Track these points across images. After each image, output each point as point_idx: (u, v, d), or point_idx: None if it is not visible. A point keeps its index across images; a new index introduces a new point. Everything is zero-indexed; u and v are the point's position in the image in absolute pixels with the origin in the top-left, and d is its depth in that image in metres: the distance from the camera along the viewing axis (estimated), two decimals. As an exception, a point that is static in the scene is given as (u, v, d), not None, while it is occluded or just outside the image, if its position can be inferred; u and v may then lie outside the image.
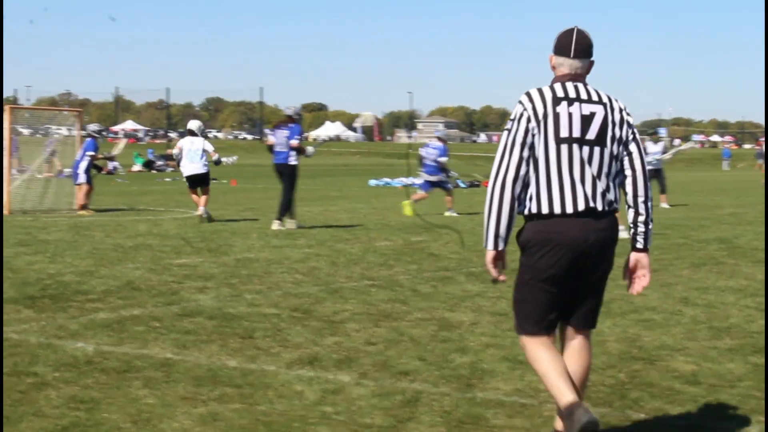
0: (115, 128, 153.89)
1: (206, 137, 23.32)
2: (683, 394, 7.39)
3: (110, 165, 53.72)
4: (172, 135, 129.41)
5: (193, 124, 23.06)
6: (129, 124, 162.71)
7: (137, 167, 61.42)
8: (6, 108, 26.33)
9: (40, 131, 33.29)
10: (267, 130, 20.98)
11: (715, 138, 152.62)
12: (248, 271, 13.68)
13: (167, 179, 49.02)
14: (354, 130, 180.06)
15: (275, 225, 20.33)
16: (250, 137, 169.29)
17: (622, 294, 11.95)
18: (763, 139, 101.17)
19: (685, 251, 16.85)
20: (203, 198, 21.96)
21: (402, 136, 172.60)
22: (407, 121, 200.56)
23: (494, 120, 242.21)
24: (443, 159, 25.27)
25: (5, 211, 23.64)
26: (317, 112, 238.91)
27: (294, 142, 20.46)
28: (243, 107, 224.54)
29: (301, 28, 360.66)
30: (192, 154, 22.29)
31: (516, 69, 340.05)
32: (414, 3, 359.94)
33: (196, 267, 13.97)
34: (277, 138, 20.60)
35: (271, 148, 20.80)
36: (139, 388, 7.26)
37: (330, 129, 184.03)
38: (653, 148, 30.04)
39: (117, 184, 39.98)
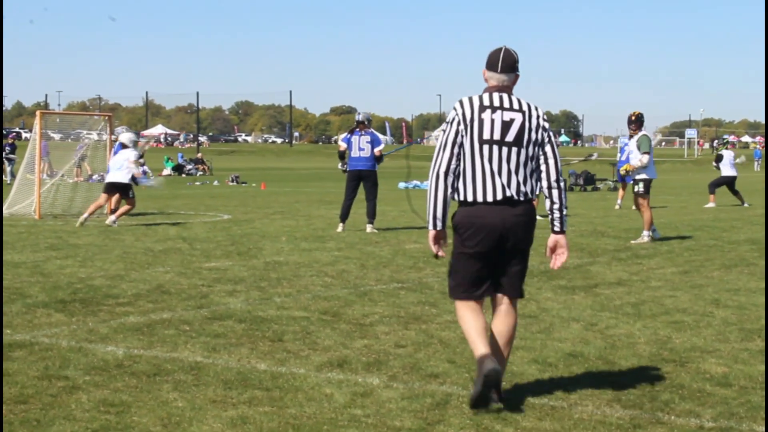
0: (147, 132, 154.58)
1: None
2: (714, 396, 7.35)
3: (140, 169, 54.02)
4: (202, 139, 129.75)
5: (125, 137, 23.20)
6: (159, 129, 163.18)
7: (167, 171, 61.62)
8: (37, 113, 26.46)
9: (70, 136, 33.47)
10: (341, 138, 21.13)
11: (746, 139, 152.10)
12: (277, 274, 13.70)
13: (197, 183, 49.17)
14: (384, 132, 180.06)
15: (369, 228, 20.63)
16: (279, 141, 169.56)
17: (652, 296, 11.93)
18: None
19: (715, 252, 16.77)
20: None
21: (431, 138, 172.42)
22: (436, 123, 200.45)
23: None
24: None
25: (36, 216, 23.75)
26: (346, 115, 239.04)
27: (379, 149, 20.82)
28: (272, 111, 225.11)
29: (330, 31, 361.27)
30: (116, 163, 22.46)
31: (550, 72, 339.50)
32: (443, 5, 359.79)
33: (226, 270, 14.00)
34: (358, 144, 20.71)
35: (342, 154, 21.09)
36: (169, 392, 7.28)
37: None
38: (728, 155, 32.73)
39: (146, 188, 40.07)
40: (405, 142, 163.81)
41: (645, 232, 18.52)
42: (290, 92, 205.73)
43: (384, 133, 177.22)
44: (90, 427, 6.40)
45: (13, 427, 6.41)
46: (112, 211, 24.34)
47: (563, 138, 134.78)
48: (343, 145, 21.08)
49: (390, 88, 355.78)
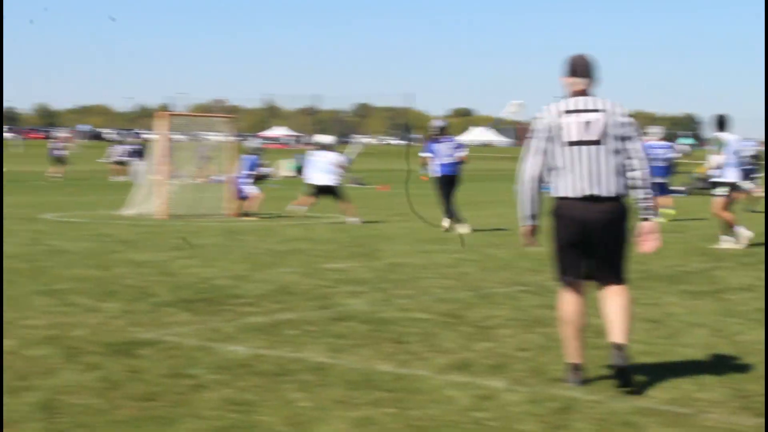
0: (267, 133, 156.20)
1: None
2: None
3: (263, 170, 54.54)
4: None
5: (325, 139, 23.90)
6: (279, 130, 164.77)
7: (288, 172, 62.11)
8: (162, 115, 26.91)
9: (193, 137, 33.97)
10: (428, 148, 21.61)
11: None
12: (399, 276, 13.73)
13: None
14: (501, 133, 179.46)
15: (464, 228, 20.85)
16: (399, 142, 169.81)
17: (780, 302, 11.66)
18: None
19: None
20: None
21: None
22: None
23: (647, 123, 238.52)
24: None
25: (164, 216, 24.14)
26: (464, 117, 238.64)
27: (464, 154, 21.77)
28: (391, 113, 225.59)
29: (449, 32, 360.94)
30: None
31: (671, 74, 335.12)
32: (563, 5, 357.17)
33: (348, 271, 14.08)
34: (442, 150, 21.38)
35: (425, 162, 21.77)
36: (294, 391, 7.34)
37: (476, 134, 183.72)
38: None
39: (269, 189, 40.46)
40: (524, 144, 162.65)
41: (728, 236, 18.27)
42: (409, 94, 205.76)
43: (504, 135, 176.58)
44: (216, 425, 6.48)
45: (141, 423, 6.52)
46: (242, 215, 24.65)
47: (688, 140, 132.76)
48: (428, 155, 21.70)
49: (509, 90, 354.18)
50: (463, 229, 20.78)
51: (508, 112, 23.80)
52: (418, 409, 6.90)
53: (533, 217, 7.73)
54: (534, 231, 7.77)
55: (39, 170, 53.43)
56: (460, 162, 21.62)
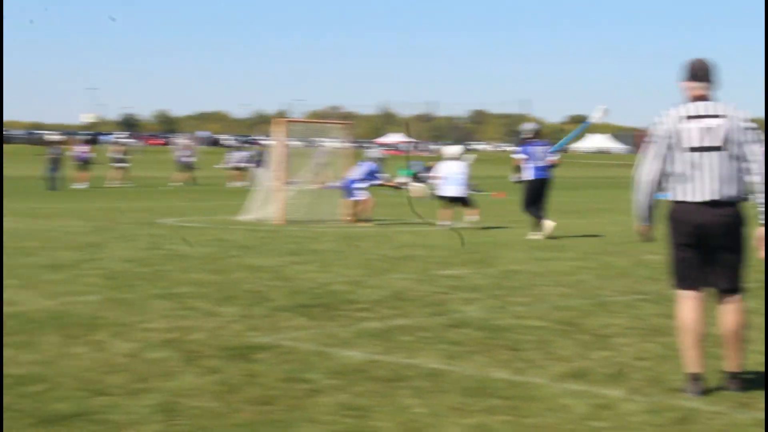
0: (381, 140, 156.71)
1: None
2: None
3: (379, 176, 54.76)
4: (436, 147, 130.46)
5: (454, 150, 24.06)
6: (395, 137, 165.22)
7: (403, 179, 62.21)
8: (279, 121, 27.16)
9: (310, 143, 34.23)
10: (522, 151, 21.63)
11: None
12: (514, 283, 13.67)
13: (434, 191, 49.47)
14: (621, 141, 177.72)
15: (540, 234, 20.90)
16: (514, 149, 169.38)
17: None
18: None
19: None
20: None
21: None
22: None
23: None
24: None
25: (281, 221, 24.35)
26: (580, 124, 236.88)
27: (556, 158, 21.72)
28: (507, 119, 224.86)
29: (565, 38, 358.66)
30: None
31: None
32: (679, 11, 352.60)
33: (463, 278, 14.05)
34: (537, 153, 21.33)
35: (518, 164, 21.79)
36: (409, 397, 7.34)
37: (594, 141, 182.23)
38: None
39: (384, 196, 40.57)
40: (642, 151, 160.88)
41: None
42: (525, 101, 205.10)
43: (622, 142, 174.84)
44: (332, 429, 6.52)
45: (258, 427, 6.58)
46: (357, 220, 24.78)
47: None
48: (522, 157, 21.57)
49: (626, 97, 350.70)
50: (537, 234, 20.81)
51: (595, 117, 23.72)
52: (533, 417, 6.85)
53: (649, 219, 7.80)
54: (650, 231, 7.85)
55: (160, 175, 54.29)
56: (552, 166, 21.61)
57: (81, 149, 47.11)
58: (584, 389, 7.67)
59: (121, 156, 49.63)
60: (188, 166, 51.88)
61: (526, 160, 21.44)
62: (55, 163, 40.81)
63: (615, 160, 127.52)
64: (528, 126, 22.34)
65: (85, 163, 45.84)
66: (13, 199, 33.37)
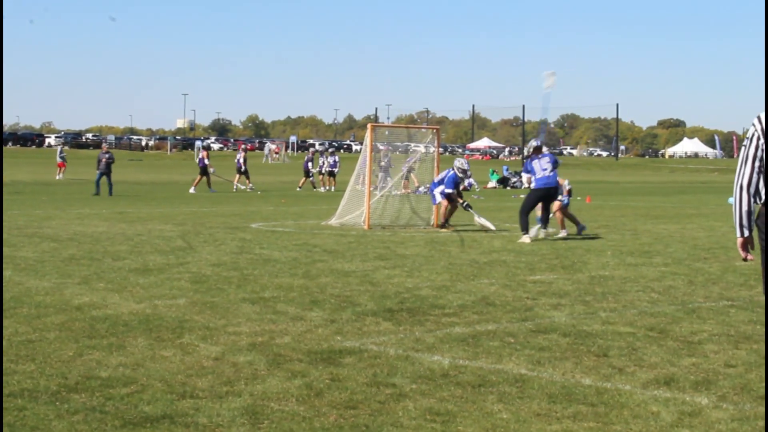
0: (471, 145, 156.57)
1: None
2: None
3: (466, 182, 54.71)
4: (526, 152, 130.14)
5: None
6: (484, 141, 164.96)
7: (492, 184, 62.12)
8: (368, 126, 27.23)
9: (399, 149, 34.25)
10: (525, 168, 22.32)
11: None
12: (603, 288, 13.55)
13: (522, 196, 49.32)
14: (713, 146, 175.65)
15: (543, 233, 21.72)
16: (604, 154, 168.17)
17: None
18: None
19: None
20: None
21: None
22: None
23: None
24: None
25: (369, 226, 24.40)
26: (674, 129, 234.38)
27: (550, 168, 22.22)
28: (598, 124, 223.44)
29: (656, 43, 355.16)
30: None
31: None
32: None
33: (551, 284, 13.96)
34: (541, 165, 21.98)
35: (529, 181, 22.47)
36: (494, 403, 7.31)
37: (687, 146, 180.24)
38: None
39: (472, 201, 40.53)
40: (735, 155, 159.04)
41: None
42: (617, 105, 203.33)
43: (713, 146, 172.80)
44: (416, 434, 6.51)
45: (342, 431, 6.60)
46: (440, 226, 24.75)
47: None
48: (527, 176, 22.46)
49: (721, 101, 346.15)
50: (527, 238, 21.11)
51: (547, 84, 24.08)
52: (619, 425, 6.79)
53: (748, 228, 7.48)
54: (749, 242, 7.52)
55: (253, 180, 54.65)
56: (554, 175, 22.09)
57: (200, 155, 47.31)
58: (672, 396, 7.58)
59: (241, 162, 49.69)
60: (331, 173, 51.19)
61: (532, 176, 22.10)
62: (108, 167, 40.46)
63: (707, 165, 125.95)
64: (531, 143, 23.27)
65: (203, 168, 45.97)
66: (102, 203, 33.85)
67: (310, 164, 51.87)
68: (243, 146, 58.58)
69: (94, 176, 41.89)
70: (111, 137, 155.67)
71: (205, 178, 46.63)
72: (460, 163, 25.52)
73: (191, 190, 44.98)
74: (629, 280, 14.54)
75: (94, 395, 7.37)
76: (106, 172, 40.64)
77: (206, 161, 46.55)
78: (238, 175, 49.84)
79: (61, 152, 58.10)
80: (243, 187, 48.56)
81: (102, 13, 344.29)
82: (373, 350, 9.18)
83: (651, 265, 16.64)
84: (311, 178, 51.56)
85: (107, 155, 41.08)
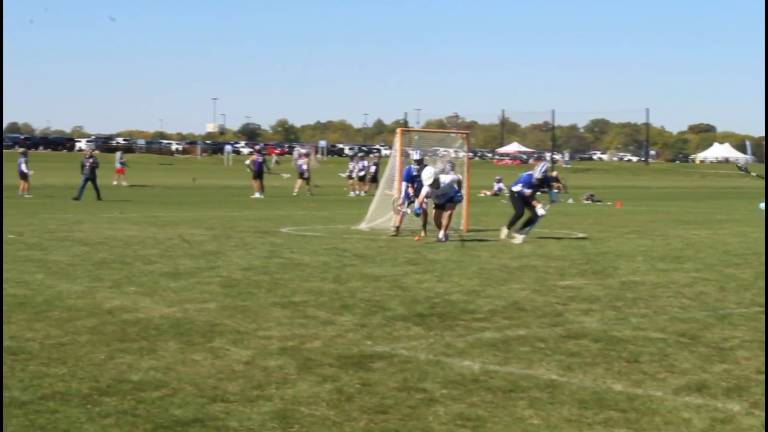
0: (500, 150, 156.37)
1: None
2: None
3: (495, 187, 54.64)
4: (557, 157, 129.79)
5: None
6: (514, 146, 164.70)
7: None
8: (398, 131, 27.23)
9: (428, 153, 34.23)
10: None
11: None
12: (634, 294, 13.50)
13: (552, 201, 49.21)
14: (744, 151, 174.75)
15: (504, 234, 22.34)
16: (634, 159, 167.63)
17: None
18: None
19: None
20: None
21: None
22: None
23: None
24: None
25: (398, 231, 24.36)
26: (704, 133, 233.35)
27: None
28: (628, 129, 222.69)
29: (685, 47, 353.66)
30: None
31: None
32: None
33: (581, 289, 13.92)
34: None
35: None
36: (525, 408, 7.29)
37: (718, 151, 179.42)
38: None
39: (502, 206, 40.45)
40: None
41: None
42: (647, 110, 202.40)
43: (744, 151, 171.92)
44: (447, 439, 6.50)
45: (373, 436, 6.61)
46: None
47: None
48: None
49: (750, 106, 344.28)
50: (518, 239, 21.73)
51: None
52: (651, 431, 6.76)
53: None
54: None
55: (281, 185, 54.72)
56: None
57: (254, 158, 47.09)
58: (704, 403, 7.54)
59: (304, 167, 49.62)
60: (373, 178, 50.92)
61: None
62: (92, 172, 39.85)
63: (737, 170, 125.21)
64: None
65: (258, 172, 45.64)
66: (133, 207, 33.99)
67: (304, 166, 51.13)
68: (304, 151, 57.86)
69: (146, 182, 41.82)
70: (141, 141, 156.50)
71: (302, 181, 47.07)
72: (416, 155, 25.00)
73: (294, 192, 45.97)
74: (660, 285, 14.49)
75: (126, 398, 7.39)
76: (91, 177, 39.91)
77: (268, 164, 46.54)
78: (300, 181, 49.72)
79: (120, 158, 57.57)
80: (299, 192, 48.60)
81: (133, 17, 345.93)
82: (404, 355, 9.17)
83: (682, 270, 16.57)
84: (307, 182, 50.89)
85: (91, 160, 40.39)
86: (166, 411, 7.08)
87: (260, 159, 46.94)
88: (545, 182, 23.32)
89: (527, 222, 22.44)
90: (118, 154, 60.43)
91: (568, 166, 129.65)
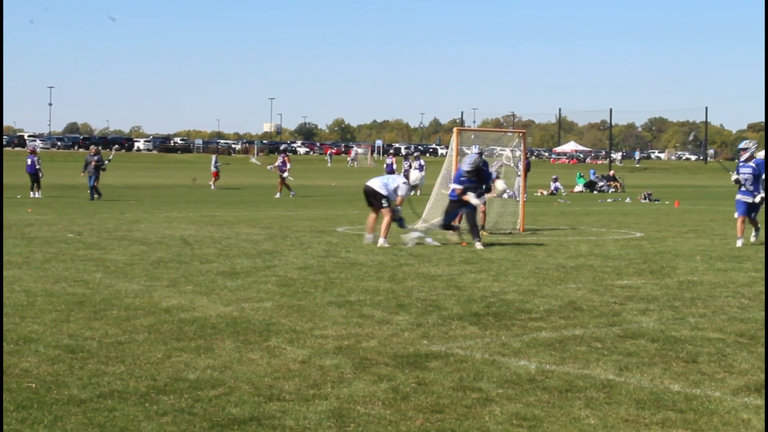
0: (557, 149, 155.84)
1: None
2: None
3: (552, 186, 54.42)
4: (615, 155, 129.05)
5: None
6: (571, 145, 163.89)
7: (579, 188, 61.72)
8: (454, 130, 27.20)
9: (485, 152, 34.14)
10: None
11: None
12: (692, 294, 13.39)
13: (609, 200, 48.98)
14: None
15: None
16: (693, 158, 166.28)
17: None
18: None
19: None
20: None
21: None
22: None
23: None
24: None
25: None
26: (763, 132, 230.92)
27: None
28: (686, 127, 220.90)
29: (743, 45, 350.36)
30: None
31: None
32: None
33: (639, 288, 13.83)
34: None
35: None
36: (581, 408, 7.26)
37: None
38: None
39: (559, 205, 40.27)
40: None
41: None
42: (706, 108, 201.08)
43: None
44: (503, 439, 6.48)
45: (429, 435, 6.60)
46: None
47: None
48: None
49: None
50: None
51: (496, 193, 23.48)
52: (709, 432, 6.70)
53: None
54: None
55: (338, 184, 54.83)
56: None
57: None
58: (763, 404, 7.47)
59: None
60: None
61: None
62: (97, 171, 39.18)
63: None
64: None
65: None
66: (190, 206, 34.17)
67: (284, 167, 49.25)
68: (283, 154, 54.15)
69: (185, 182, 41.85)
70: (198, 141, 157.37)
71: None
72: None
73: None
74: (719, 285, 14.36)
75: (183, 397, 7.44)
76: (96, 175, 39.28)
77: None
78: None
79: (216, 162, 57.55)
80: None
81: (193, 19, 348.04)
82: (460, 354, 9.16)
83: (741, 270, 16.41)
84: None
85: (96, 158, 39.71)
86: (223, 409, 7.12)
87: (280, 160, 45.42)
88: (482, 174, 21.41)
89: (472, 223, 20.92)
90: (214, 157, 60.46)
91: (638, 165, 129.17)
